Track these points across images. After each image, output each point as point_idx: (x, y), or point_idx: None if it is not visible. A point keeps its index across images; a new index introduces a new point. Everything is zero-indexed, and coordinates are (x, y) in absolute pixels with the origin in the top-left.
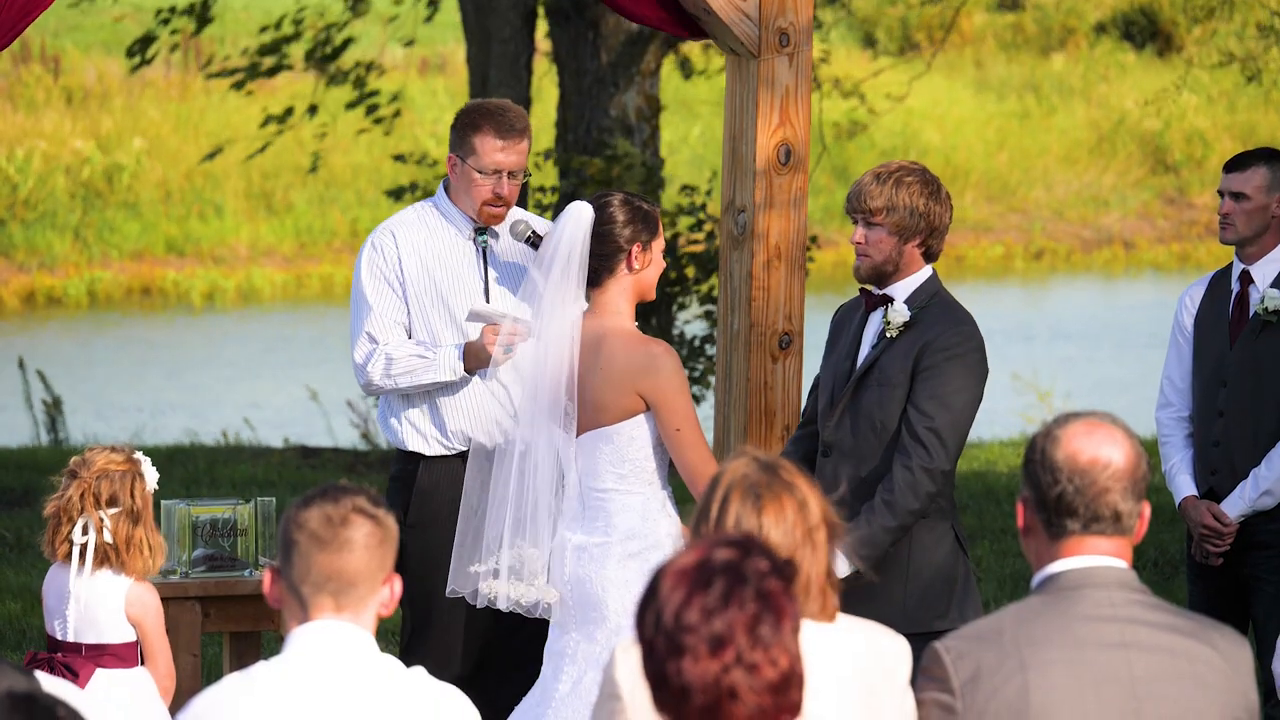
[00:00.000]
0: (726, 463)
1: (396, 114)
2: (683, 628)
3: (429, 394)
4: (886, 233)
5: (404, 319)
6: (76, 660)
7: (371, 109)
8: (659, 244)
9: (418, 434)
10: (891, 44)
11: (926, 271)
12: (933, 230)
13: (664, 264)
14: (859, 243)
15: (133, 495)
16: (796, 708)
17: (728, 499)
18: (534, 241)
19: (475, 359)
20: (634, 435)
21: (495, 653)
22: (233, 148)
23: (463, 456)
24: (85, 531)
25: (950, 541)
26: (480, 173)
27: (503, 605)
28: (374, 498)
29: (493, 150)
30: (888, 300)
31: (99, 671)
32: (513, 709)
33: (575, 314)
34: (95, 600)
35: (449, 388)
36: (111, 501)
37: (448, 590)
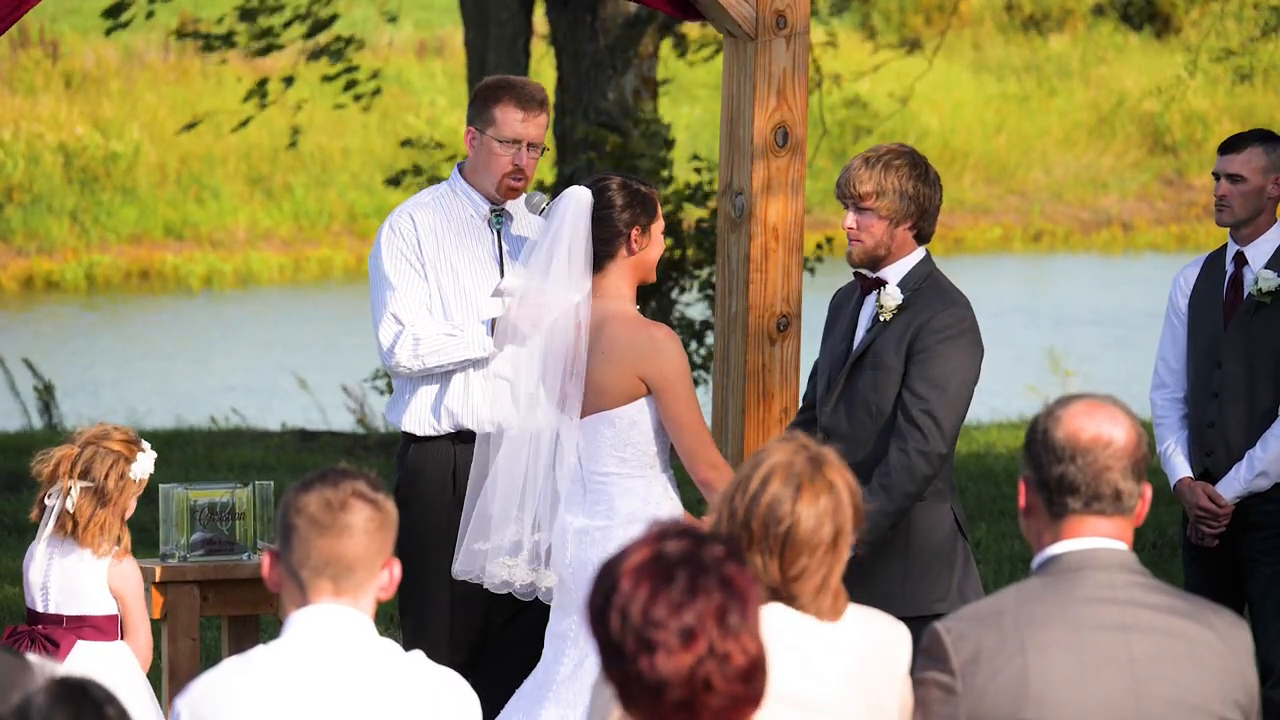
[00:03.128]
0: (774, 443)
1: (376, 91)
2: (652, 623)
3: (429, 376)
4: (877, 217)
5: (427, 299)
6: (57, 631)
7: (350, 84)
8: (658, 226)
9: (412, 415)
10: (889, 29)
11: (920, 253)
12: (923, 212)
13: (664, 246)
14: (850, 228)
15: (107, 476)
16: (760, 695)
17: (769, 479)
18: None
19: (503, 335)
20: (635, 419)
21: (494, 636)
22: (213, 119)
23: (449, 438)
24: (53, 497)
25: (949, 523)
26: (500, 142)
27: (494, 587)
28: (373, 482)
29: (513, 121)
30: (881, 284)
31: (79, 644)
32: (512, 693)
33: (578, 298)
34: (78, 571)
35: (448, 371)
36: (85, 474)
37: (454, 571)
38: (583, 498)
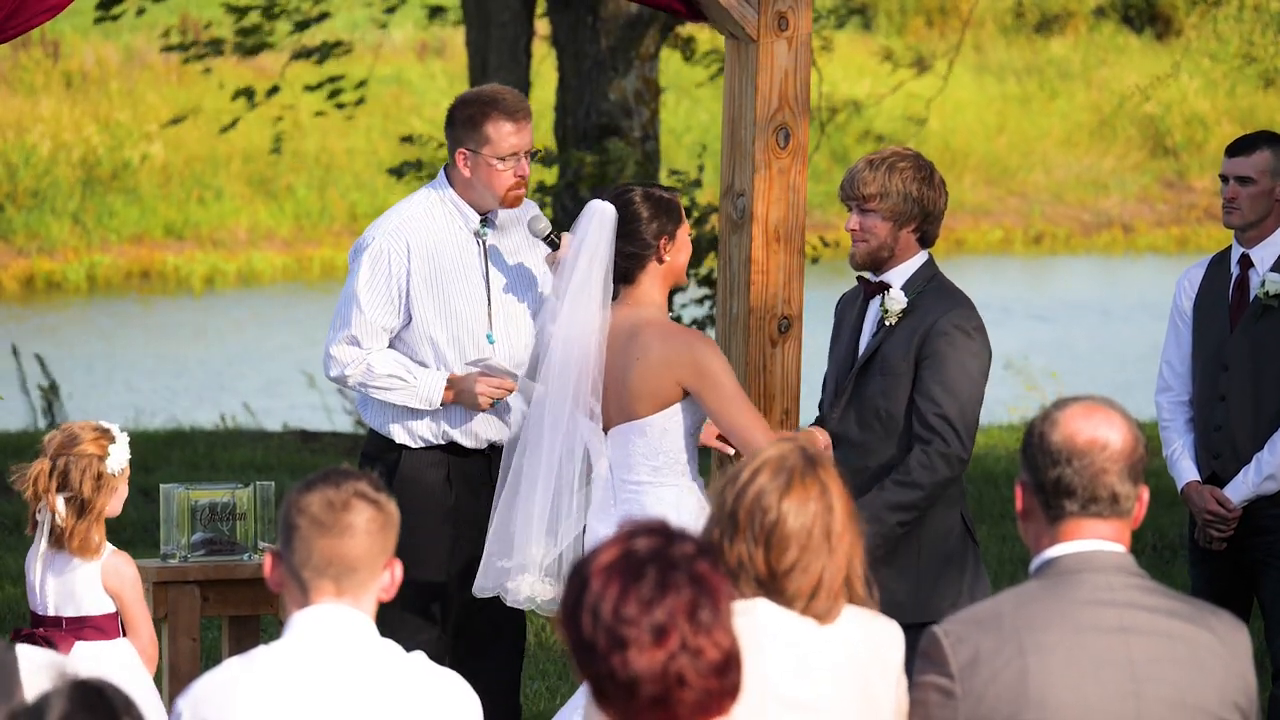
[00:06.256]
0: (775, 442)
1: (360, 101)
2: (623, 620)
3: None
4: (880, 219)
5: (393, 325)
6: (57, 634)
7: (335, 93)
8: (684, 230)
9: (402, 427)
10: (891, 31)
11: (922, 256)
12: (927, 215)
13: (690, 246)
14: (854, 230)
15: (82, 484)
16: (737, 689)
17: (759, 472)
18: (553, 241)
19: (457, 397)
20: (667, 427)
21: (470, 625)
22: (202, 117)
23: (441, 449)
24: (42, 511)
25: (960, 528)
26: (500, 159)
27: (517, 603)
28: (375, 482)
29: (508, 134)
30: (885, 287)
31: (79, 644)
32: (498, 680)
33: (603, 313)
34: (72, 573)
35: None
36: (64, 486)
37: (475, 588)
38: (613, 506)
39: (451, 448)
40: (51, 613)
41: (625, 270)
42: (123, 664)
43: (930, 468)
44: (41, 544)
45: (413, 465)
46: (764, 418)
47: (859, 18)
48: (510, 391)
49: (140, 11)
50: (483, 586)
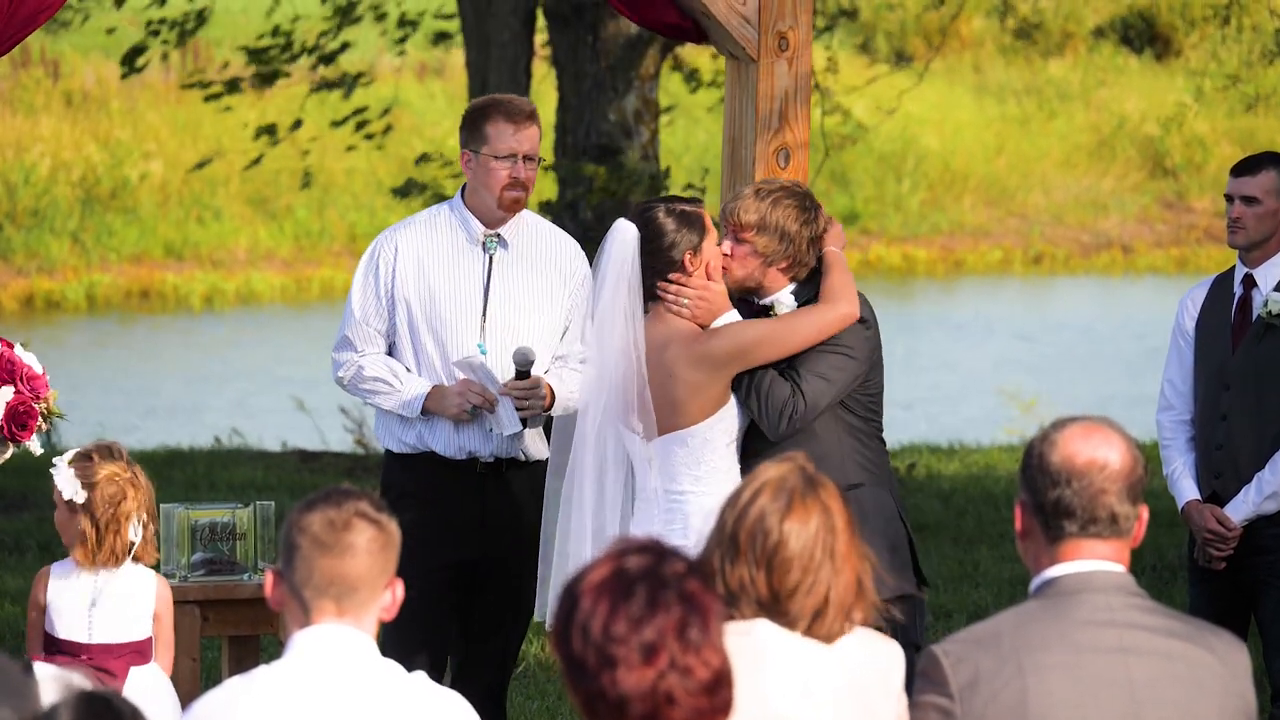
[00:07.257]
0: (772, 462)
1: (388, 129)
2: (612, 639)
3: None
4: (753, 251)
5: (385, 328)
6: (109, 661)
7: (361, 125)
8: (709, 240)
9: (389, 433)
10: (888, 50)
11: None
12: (797, 257)
13: (719, 251)
14: (725, 254)
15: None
16: (728, 707)
17: (759, 493)
18: (522, 373)
19: (438, 405)
20: (708, 437)
21: (468, 619)
22: (224, 157)
23: (422, 457)
24: (136, 533)
25: (893, 508)
26: (496, 158)
27: None
28: (377, 502)
29: (507, 135)
30: (770, 308)
31: (132, 670)
32: (478, 691)
33: (636, 332)
34: (131, 598)
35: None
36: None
37: (538, 615)
38: (656, 515)
39: (431, 457)
40: (98, 640)
41: (654, 288)
42: (160, 686)
43: (784, 406)
44: (124, 564)
45: (396, 471)
46: (784, 326)
47: (857, 38)
48: (491, 403)
49: (164, 57)
50: (548, 616)
